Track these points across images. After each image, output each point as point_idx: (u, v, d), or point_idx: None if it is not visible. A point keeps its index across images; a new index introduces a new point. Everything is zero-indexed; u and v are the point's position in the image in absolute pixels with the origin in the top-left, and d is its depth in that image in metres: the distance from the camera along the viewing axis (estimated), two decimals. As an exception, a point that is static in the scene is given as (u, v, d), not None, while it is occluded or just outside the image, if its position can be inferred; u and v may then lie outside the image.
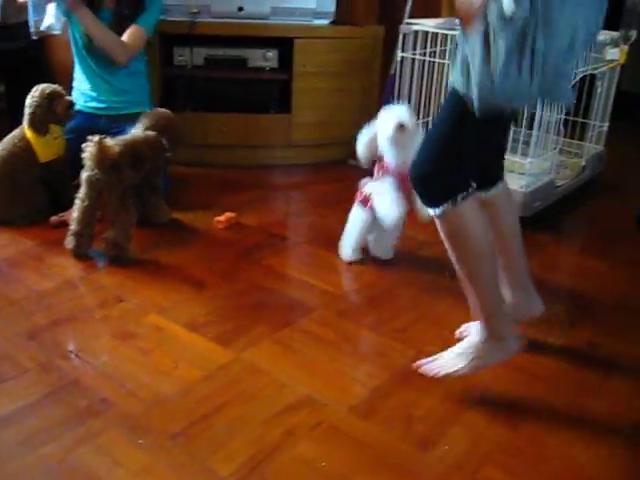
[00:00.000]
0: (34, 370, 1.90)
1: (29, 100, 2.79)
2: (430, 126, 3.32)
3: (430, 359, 1.86)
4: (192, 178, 3.44)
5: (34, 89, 2.81)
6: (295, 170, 3.62)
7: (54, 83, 2.87)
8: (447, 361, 1.83)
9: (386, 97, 3.49)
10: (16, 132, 2.84)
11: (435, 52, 3.17)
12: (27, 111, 2.79)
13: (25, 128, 2.81)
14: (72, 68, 3.20)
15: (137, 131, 2.77)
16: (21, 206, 2.82)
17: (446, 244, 1.75)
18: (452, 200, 1.66)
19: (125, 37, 2.97)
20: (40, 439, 1.64)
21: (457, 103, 1.61)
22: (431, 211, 1.72)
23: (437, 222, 1.74)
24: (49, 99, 2.79)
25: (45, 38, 3.17)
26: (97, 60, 3.04)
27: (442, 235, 1.74)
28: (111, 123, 3.03)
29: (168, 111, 2.89)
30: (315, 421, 1.74)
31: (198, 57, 3.52)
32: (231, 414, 1.76)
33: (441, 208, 1.68)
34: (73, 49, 3.10)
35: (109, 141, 2.47)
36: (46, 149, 2.82)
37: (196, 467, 1.59)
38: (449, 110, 1.69)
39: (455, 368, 1.81)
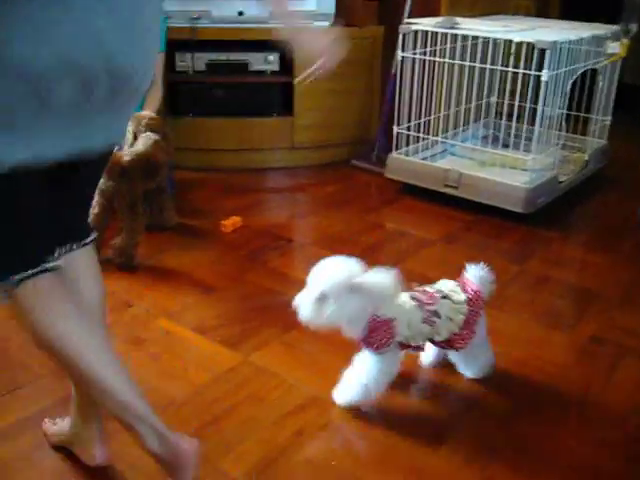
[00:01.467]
0: (47, 377, 1.93)
1: None
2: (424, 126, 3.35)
3: None
4: (196, 182, 3.46)
5: None
6: (298, 172, 3.64)
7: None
8: None
9: (388, 97, 3.51)
10: None
11: (435, 51, 3.19)
12: None
13: None
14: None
15: (148, 138, 2.73)
16: None
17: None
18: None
19: (155, 70, 3.02)
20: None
21: None
22: None
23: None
24: None
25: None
26: None
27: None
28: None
29: (149, 112, 2.83)
30: (324, 421, 1.77)
31: (200, 62, 3.54)
32: (241, 416, 1.79)
33: None
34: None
35: (119, 151, 2.49)
36: None
37: (208, 469, 1.61)
38: None
39: None
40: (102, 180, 2.50)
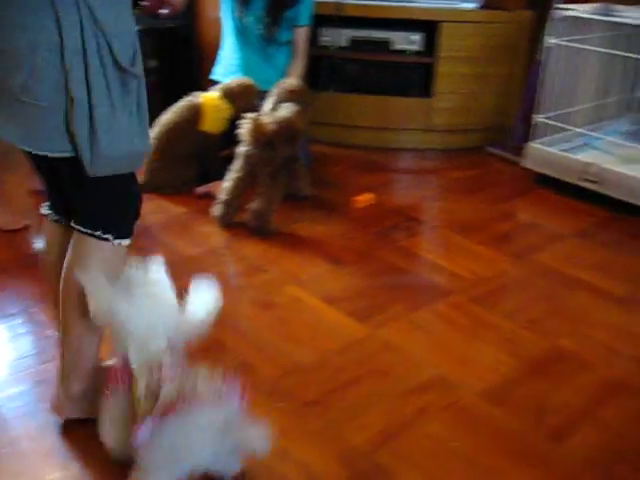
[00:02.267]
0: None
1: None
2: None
3: None
4: (332, 157, 3.52)
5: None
6: (432, 155, 3.63)
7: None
8: None
9: (530, 85, 3.42)
10: (185, 102, 2.98)
11: (586, 39, 3.08)
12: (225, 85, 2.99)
13: (206, 96, 2.97)
14: (219, 46, 3.35)
15: (289, 107, 2.77)
16: (174, 175, 2.98)
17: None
18: None
19: (300, 43, 3.21)
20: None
21: None
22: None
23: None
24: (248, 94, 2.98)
25: (195, 20, 3.33)
26: (262, 43, 3.18)
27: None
28: (261, 100, 3.13)
29: (294, 81, 2.92)
30: (447, 402, 1.78)
31: (343, 38, 3.57)
32: (365, 387, 1.82)
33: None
34: (230, 31, 3.22)
35: (265, 118, 2.56)
36: (214, 122, 2.96)
37: (329, 434, 1.66)
38: None
39: None
40: (248, 148, 2.59)
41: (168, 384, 1.38)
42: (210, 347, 1.91)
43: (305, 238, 2.64)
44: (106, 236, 1.48)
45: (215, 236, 2.65)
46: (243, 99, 2.98)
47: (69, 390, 1.62)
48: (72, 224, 1.51)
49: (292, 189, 2.93)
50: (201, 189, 2.98)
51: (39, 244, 2.43)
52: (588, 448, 1.64)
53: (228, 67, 3.26)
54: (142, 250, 2.48)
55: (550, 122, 3.21)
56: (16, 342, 1.99)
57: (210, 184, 2.96)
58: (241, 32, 3.18)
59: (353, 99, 3.60)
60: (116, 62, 1.34)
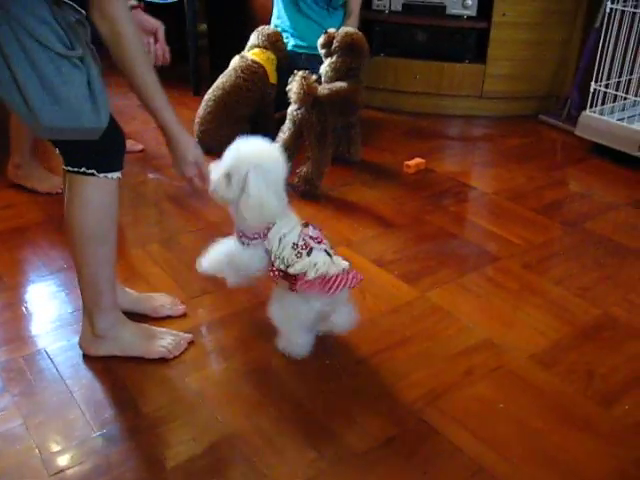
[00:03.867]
0: (230, 287, 2.07)
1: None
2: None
3: None
4: (382, 122, 3.51)
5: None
6: (483, 122, 3.59)
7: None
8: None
9: (587, 52, 3.36)
10: (239, 62, 3.02)
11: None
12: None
13: (254, 52, 3.03)
14: (271, 9, 3.35)
15: (353, 82, 2.81)
16: (226, 136, 3.01)
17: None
18: None
19: (354, 6, 3.26)
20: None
21: None
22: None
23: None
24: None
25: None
26: (316, 6, 3.18)
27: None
28: (311, 62, 3.14)
29: (352, 29, 2.92)
30: (495, 364, 1.79)
31: (396, 2, 3.53)
32: (413, 348, 1.85)
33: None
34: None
35: (314, 78, 2.57)
36: (272, 74, 3.05)
37: (377, 392, 1.69)
38: None
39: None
40: (294, 108, 2.60)
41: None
42: (262, 303, 1.97)
43: (356, 201, 2.65)
44: (91, 171, 1.56)
45: (266, 198, 2.68)
46: (279, 45, 3.10)
47: (95, 327, 1.72)
48: (62, 166, 1.60)
49: (344, 154, 2.94)
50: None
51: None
52: (636, 415, 1.64)
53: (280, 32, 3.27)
54: (191, 210, 2.55)
55: (607, 90, 3.15)
56: (55, 300, 2.05)
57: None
58: (295, 2, 3.19)
59: (404, 64, 3.57)
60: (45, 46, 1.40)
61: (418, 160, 2.94)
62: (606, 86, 3.14)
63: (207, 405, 1.63)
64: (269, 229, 1.74)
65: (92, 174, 1.56)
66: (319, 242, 1.73)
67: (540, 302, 2.06)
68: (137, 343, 1.77)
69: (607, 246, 2.40)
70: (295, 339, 1.77)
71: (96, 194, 1.59)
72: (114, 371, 1.73)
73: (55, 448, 1.51)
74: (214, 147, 2.99)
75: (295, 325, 1.76)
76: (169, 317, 1.92)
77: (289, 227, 1.74)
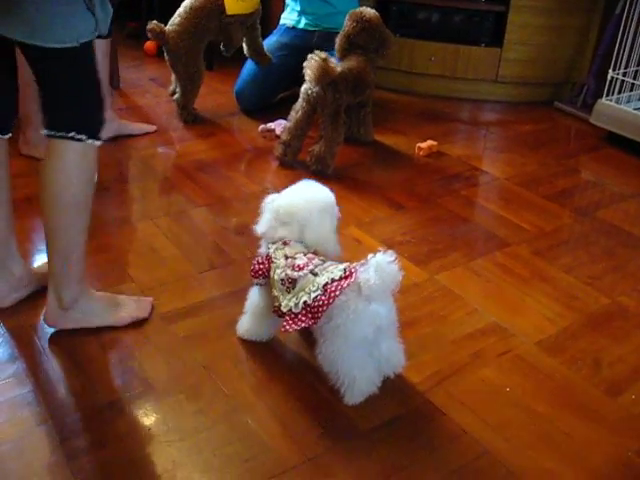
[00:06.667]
0: (239, 262, 2.07)
1: None
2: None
3: None
4: (395, 104, 3.49)
5: None
6: (498, 106, 3.57)
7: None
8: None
9: (607, 39, 3.32)
10: None
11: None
12: None
13: None
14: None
15: (362, 60, 2.78)
16: (186, 47, 2.98)
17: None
18: None
19: None
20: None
21: None
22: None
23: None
24: None
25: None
26: None
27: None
28: (323, 41, 3.11)
29: (369, 11, 2.86)
30: (503, 349, 1.79)
31: (414, -17, 3.51)
32: (422, 330, 1.84)
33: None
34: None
35: (332, 60, 2.55)
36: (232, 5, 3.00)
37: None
38: None
39: None
40: (309, 86, 2.59)
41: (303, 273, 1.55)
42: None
43: (367, 182, 2.65)
44: (80, 136, 1.55)
45: (275, 175, 2.68)
46: None
47: (61, 300, 1.70)
48: (46, 132, 1.57)
49: (356, 134, 2.93)
50: (262, 127, 3.00)
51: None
52: (643, 404, 1.64)
53: (291, 11, 3.26)
54: (202, 184, 2.55)
55: (625, 79, 3.12)
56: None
57: (272, 122, 2.98)
58: None
59: (420, 45, 3.54)
60: None
61: (430, 142, 2.92)
62: (624, 74, 3.11)
63: (213, 378, 1.63)
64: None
65: (80, 139, 1.55)
66: (301, 268, 1.57)
67: (549, 289, 2.05)
68: (106, 313, 1.77)
69: (618, 236, 2.39)
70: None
71: (82, 160, 1.59)
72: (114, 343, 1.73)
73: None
74: (179, 49, 2.97)
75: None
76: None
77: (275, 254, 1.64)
